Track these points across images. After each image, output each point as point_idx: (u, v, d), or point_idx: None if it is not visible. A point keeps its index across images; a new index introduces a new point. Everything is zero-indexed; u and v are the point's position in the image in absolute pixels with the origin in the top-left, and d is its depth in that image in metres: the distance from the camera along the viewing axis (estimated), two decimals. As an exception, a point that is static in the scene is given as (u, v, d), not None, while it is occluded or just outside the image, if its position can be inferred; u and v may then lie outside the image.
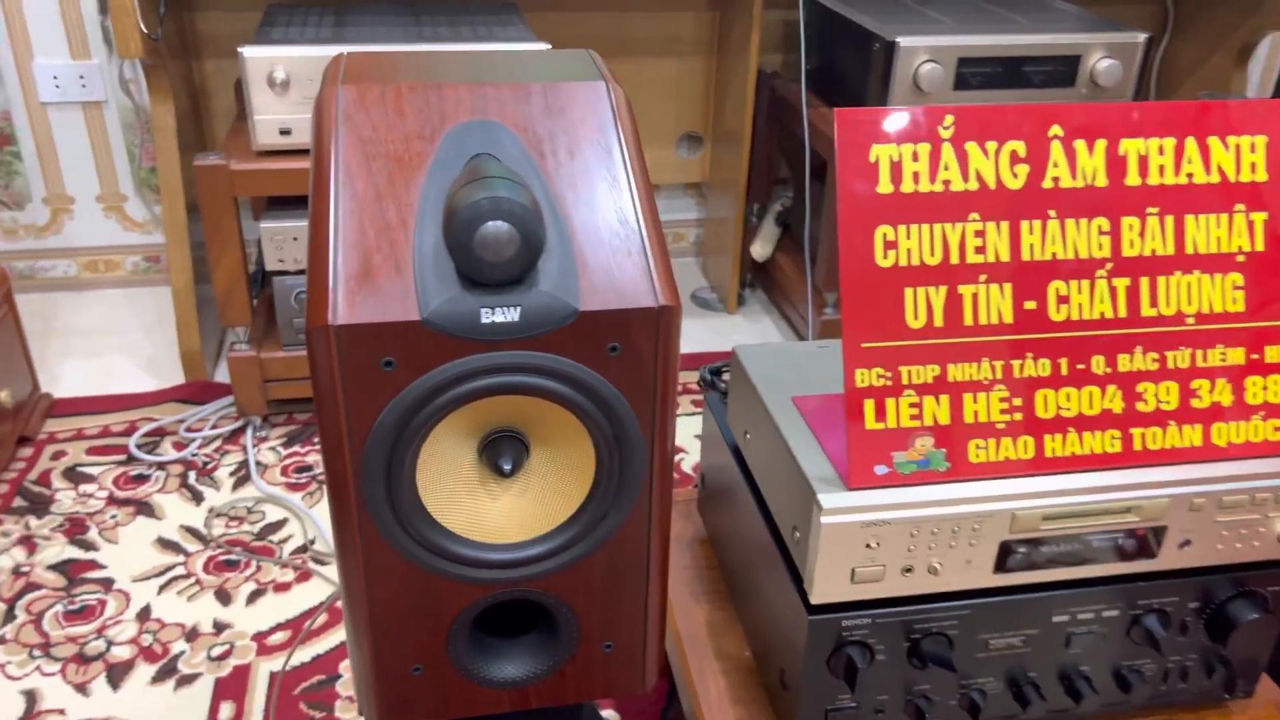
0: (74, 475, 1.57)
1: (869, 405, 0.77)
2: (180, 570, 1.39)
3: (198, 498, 1.53)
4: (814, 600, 0.78)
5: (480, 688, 0.71)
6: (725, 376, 1.13)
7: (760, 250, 2.05)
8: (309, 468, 1.58)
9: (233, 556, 1.41)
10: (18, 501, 1.51)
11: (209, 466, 1.59)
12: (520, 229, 0.57)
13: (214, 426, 1.68)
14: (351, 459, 0.61)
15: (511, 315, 0.59)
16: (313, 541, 1.44)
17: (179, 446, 1.63)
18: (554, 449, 0.65)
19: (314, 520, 1.48)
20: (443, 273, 0.60)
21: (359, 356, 0.59)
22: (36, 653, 1.26)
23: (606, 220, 0.64)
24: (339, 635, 1.29)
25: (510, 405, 0.63)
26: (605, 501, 0.66)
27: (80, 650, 1.26)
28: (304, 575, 1.38)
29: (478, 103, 0.68)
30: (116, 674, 1.23)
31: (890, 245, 0.77)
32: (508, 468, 0.63)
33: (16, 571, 1.38)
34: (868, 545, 0.77)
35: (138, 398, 1.75)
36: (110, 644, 1.27)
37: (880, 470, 0.77)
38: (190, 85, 1.85)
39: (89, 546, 1.43)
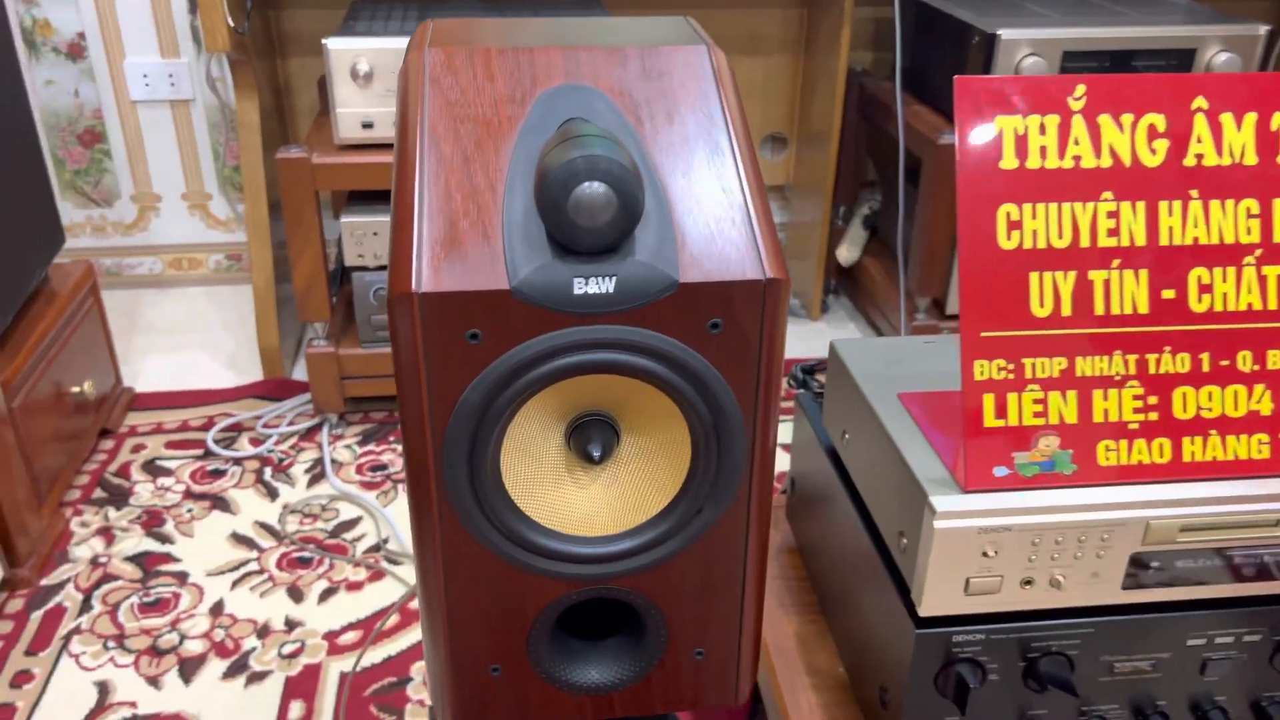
0: (152, 468, 1.56)
1: (988, 400, 0.71)
2: (253, 566, 1.37)
3: (272, 494, 1.51)
4: (923, 612, 0.72)
5: (561, 692, 0.67)
6: (819, 376, 1.08)
7: (847, 254, 1.98)
8: (384, 466, 1.56)
9: (306, 554, 1.39)
10: (98, 493, 1.51)
11: (284, 463, 1.57)
12: (618, 190, 0.53)
13: (290, 423, 1.66)
14: (433, 440, 0.57)
15: (606, 286, 0.55)
16: (386, 541, 1.41)
17: (255, 442, 1.62)
18: (647, 435, 0.60)
19: (388, 519, 1.45)
20: (533, 240, 0.55)
21: (443, 327, 0.55)
22: (111, 644, 1.24)
23: (708, 188, 0.59)
24: (411, 637, 1.26)
25: (601, 385, 0.58)
26: (701, 494, 0.61)
27: (154, 643, 1.25)
28: (376, 575, 1.35)
29: (571, 66, 0.64)
30: (188, 668, 1.21)
31: (1014, 226, 0.71)
32: (597, 454, 0.59)
33: (95, 562, 1.37)
34: (984, 554, 0.70)
35: (216, 393, 1.74)
36: (183, 638, 1.26)
37: (1000, 472, 0.71)
38: (274, 83, 1.86)
39: (165, 539, 1.42)
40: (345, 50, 1.42)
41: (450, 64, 0.63)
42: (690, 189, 0.59)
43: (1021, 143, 0.70)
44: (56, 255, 1.53)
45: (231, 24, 1.51)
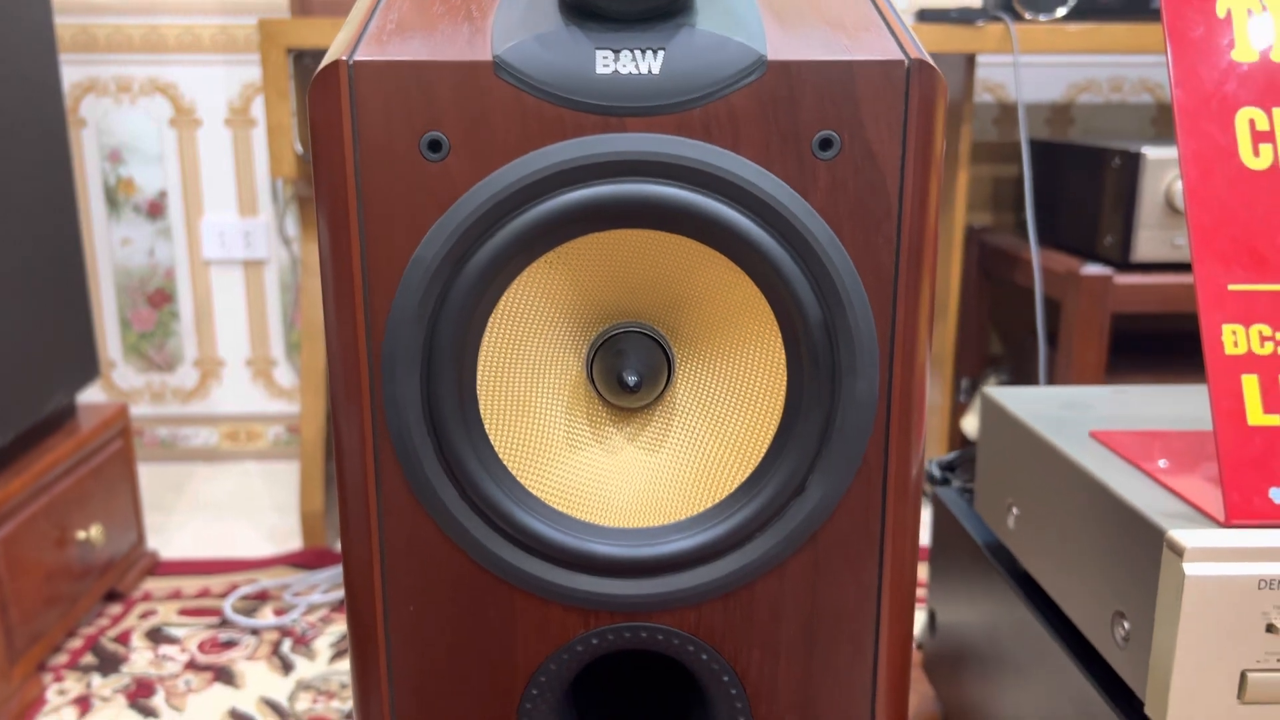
0: (157, 636, 1.34)
1: (1250, 386, 0.46)
2: (246, 748, 1.11)
3: (287, 667, 1.26)
4: (1169, 733, 0.44)
5: (573, 825, 0.40)
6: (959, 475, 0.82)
7: (974, 426, 1.72)
8: (421, 641, 1.29)
9: (312, 736, 1.12)
10: (87, 659, 1.28)
11: (307, 635, 1.33)
12: (668, -103, 0.33)
13: (324, 592, 1.43)
14: (367, 332, 0.35)
15: (649, 64, 0.34)
16: (412, 726, 1.13)
17: (279, 612, 1.39)
18: (716, 359, 0.37)
19: (416, 699, 1.17)
20: (539, 8, 0.36)
21: (387, 125, 0.34)
22: (50, 835, 0.98)
23: (813, -11, 0.39)
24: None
25: (640, 264, 0.36)
26: (804, 458, 0.37)
27: (102, 836, 0.98)
28: (393, 764, 1.07)
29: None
30: None
31: (1263, 138, 0.48)
32: (633, 380, 0.36)
33: (59, 735, 1.13)
34: (1270, 626, 0.43)
35: (246, 563, 1.54)
36: (139, 831, 0.99)
37: (1280, 495, 0.45)
38: (350, 238, 1.76)
39: (149, 713, 1.17)
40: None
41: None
42: (785, -8, 0.39)
43: (1261, 27, 0.49)
44: (86, 387, 1.39)
45: (300, 150, 1.43)
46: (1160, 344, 1.66)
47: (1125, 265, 1.36)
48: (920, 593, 1.12)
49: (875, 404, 0.36)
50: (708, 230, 0.34)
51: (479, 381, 0.36)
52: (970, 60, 1.56)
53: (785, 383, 0.36)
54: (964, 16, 1.44)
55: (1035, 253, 1.40)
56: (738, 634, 0.38)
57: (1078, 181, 1.50)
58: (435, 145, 0.34)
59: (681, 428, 0.38)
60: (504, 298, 0.36)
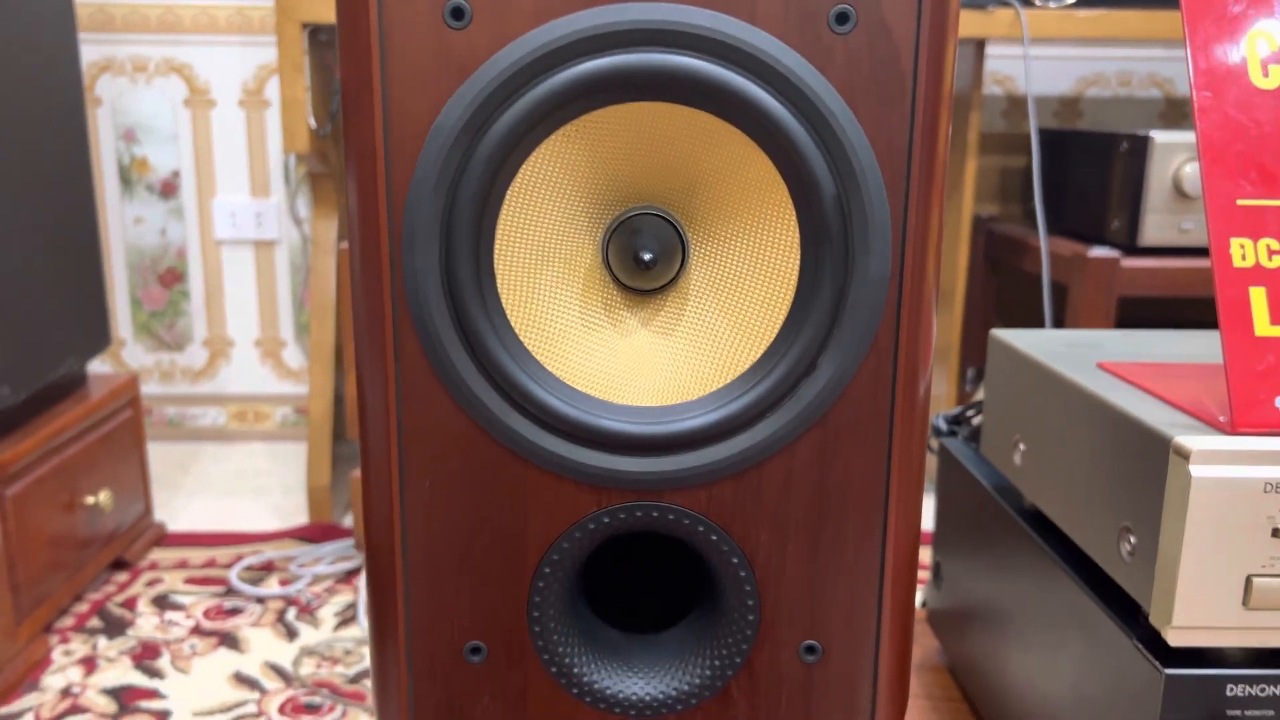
0: (163, 602, 1.34)
1: (1258, 297, 0.46)
2: (251, 709, 1.11)
3: (292, 634, 1.27)
4: (1175, 639, 0.45)
5: (584, 707, 0.40)
6: (965, 425, 0.82)
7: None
8: (426, 611, 1.30)
9: (316, 699, 1.13)
10: (94, 622, 1.29)
11: (312, 604, 1.34)
12: None
13: (330, 564, 1.44)
14: (388, 196, 0.36)
15: (669, -65, 0.35)
16: (415, 691, 1.14)
17: (285, 582, 1.40)
18: (729, 241, 0.38)
19: (420, 665, 1.17)
20: (561, -113, 0.36)
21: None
22: (55, 787, 0.98)
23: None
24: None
25: (657, 144, 0.37)
26: (816, 337, 0.37)
27: (106, 789, 0.98)
28: (396, 725, 1.07)
29: None
30: (140, 821, 0.94)
31: (1273, 58, 0.49)
32: (649, 256, 0.36)
33: (66, 692, 1.13)
34: (1276, 530, 0.44)
35: (253, 536, 1.54)
36: (144, 785, 0.99)
37: (1287, 403, 0.45)
38: (361, 219, 1.77)
39: (154, 674, 1.18)
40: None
41: None
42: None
43: (1273, -50, 0.50)
44: (96, 355, 1.40)
45: (314, 125, 1.44)
46: (1167, 334, 1.66)
47: (1132, 249, 1.37)
48: (922, 574, 1.12)
49: (887, 282, 0.36)
50: (725, 103, 0.35)
51: (496, 255, 0.37)
52: (980, 46, 1.57)
53: (798, 262, 0.37)
54: (974, 0, 1.45)
55: (1043, 236, 1.41)
56: (747, 515, 0.38)
57: (1086, 168, 1.50)
58: (458, 13, 0.35)
59: (695, 311, 0.38)
60: (522, 169, 0.36)
